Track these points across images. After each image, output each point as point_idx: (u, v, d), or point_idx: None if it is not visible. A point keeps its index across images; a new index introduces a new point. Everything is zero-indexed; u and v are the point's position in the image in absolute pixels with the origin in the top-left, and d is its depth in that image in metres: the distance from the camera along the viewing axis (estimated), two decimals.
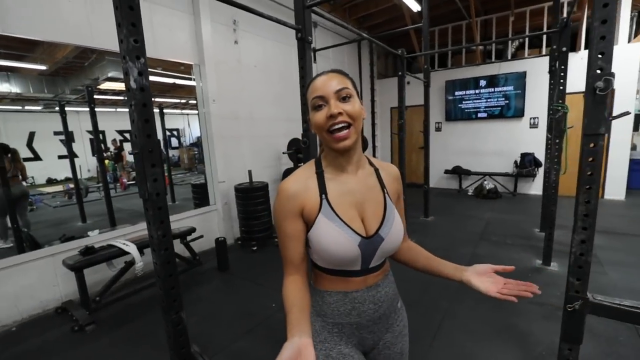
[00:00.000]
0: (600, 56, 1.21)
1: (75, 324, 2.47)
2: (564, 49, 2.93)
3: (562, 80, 3.00)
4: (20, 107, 6.45)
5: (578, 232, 1.39)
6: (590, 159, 1.28)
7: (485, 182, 6.53)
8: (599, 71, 1.20)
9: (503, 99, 6.45)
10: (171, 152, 10.45)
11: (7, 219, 3.70)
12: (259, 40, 4.71)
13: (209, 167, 4.21)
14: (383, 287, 0.92)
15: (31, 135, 5.97)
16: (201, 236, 3.65)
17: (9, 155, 3.74)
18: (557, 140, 3.09)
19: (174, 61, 3.76)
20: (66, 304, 2.74)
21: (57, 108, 5.34)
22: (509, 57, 6.51)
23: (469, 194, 6.82)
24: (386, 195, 0.90)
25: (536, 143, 6.21)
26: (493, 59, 6.75)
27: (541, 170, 6.25)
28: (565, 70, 2.96)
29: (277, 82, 4.99)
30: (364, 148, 0.97)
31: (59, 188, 6.97)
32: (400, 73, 3.97)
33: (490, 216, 5.12)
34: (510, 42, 6.55)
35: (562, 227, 4.05)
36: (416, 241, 4.01)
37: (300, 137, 4.87)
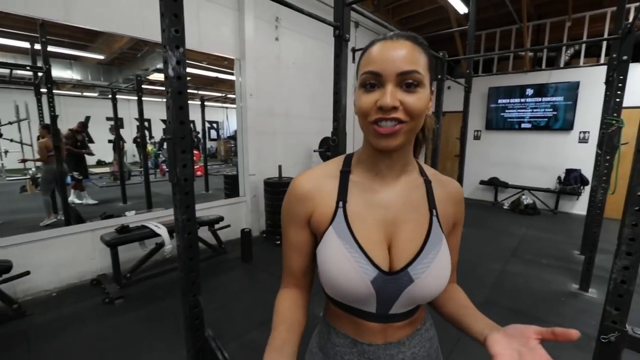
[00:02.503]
0: None
1: (107, 296, 2.66)
2: (625, 57, 2.68)
3: (619, 92, 2.75)
4: (79, 93, 7.04)
5: (621, 256, 1.27)
6: None
7: (524, 197, 6.16)
8: None
9: (551, 109, 6.04)
10: (209, 144, 10.93)
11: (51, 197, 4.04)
12: (299, 38, 4.77)
13: (242, 160, 4.34)
14: (411, 346, 0.68)
15: (87, 120, 6.48)
16: (228, 225, 3.77)
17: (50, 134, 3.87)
18: (608, 157, 2.85)
19: (218, 55, 3.91)
20: (100, 277, 2.95)
21: (109, 95, 5.74)
22: (562, 65, 6.09)
23: (505, 207, 6.47)
24: (434, 218, 0.65)
25: (584, 159, 5.77)
26: (543, 67, 6.34)
27: (587, 189, 5.79)
28: (623, 81, 2.71)
29: (314, 81, 5.04)
30: (419, 152, 0.73)
31: (107, 170, 7.53)
32: (439, 76, 3.84)
33: (525, 233, 4.82)
34: (564, 49, 6.12)
35: (606, 252, 3.73)
36: None
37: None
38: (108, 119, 6.63)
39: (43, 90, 3.43)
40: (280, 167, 4.28)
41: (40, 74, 3.41)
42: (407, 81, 0.55)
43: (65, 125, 6.16)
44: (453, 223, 0.71)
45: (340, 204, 0.63)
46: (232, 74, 4.18)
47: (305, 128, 5.05)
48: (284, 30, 4.52)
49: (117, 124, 5.42)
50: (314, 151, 5.07)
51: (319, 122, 5.20)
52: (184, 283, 1.45)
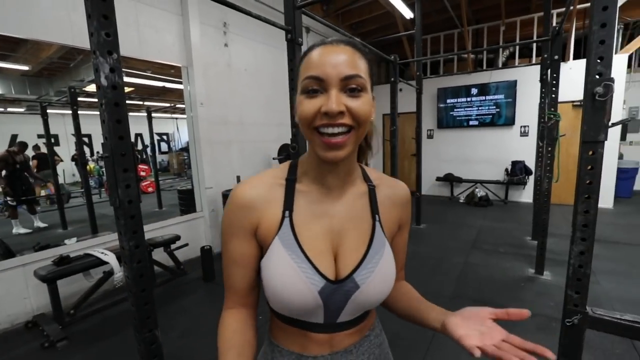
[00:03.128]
0: (599, 61, 1.16)
1: (46, 339, 2.31)
2: (556, 57, 2.92)
3: (554, 89, 2.99)
4: (2, 109, 6.26)
5: (577, 243, 1.33)
6: (589, 167, 1.22)
7: (477, 190, 6.53)
8: (597, 76, 1.15)
9: (494, 107, 6.49)
10: (160, 157, 10.28)
11: None
12: (250, 44, 4.64)
13: (196, 173, 4.09)
14: (359, 354, 0.67)
15: (13, 138, 5.76)
16: (186, 244, 3.51)
17: None
18: (550, 149, 3.07)
19: (163, 63, 3.66)
20: (37, 318, 2.56)
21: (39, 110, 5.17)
22: (500, 66, 6.58)
23: (461, 201, 6.81)
24: (377, 224, 0.65)
25: (527, 151, 6.26)
26: (484, 68, 6.81)
27: (532, 178, 6.28)
28: (557, 79, 2.95)
29: (268, 87, 4.92)
30: (366, 156, 0.73)
31: (42, 192, 6.74)
32: (392, 79, 3.94)
33: (482, 224, 5.09)
34: (501, 50, 6.62)
35: (554, 235, 4.04)
36: (409, 251, 3.83)
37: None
38: (40, 136, 5.94)
39: None
40: (238, 177, 4.10)
41: None
42: (350, 86, 0.54)
43: None
44: (398, 225, 0.71)
45: (287, 213, 0.61)
46: (180, 82, 3.94)
47: (262, 135, 4.92)
48: (233, 36, 4.37)
49: (50, 141, 4.87)
50: (274, 159, 4.95)
51: (275, 128, 5.09)
52: (137, 318, 1.28)
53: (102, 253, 2.69)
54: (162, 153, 10.59)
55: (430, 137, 7.34)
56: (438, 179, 7.24)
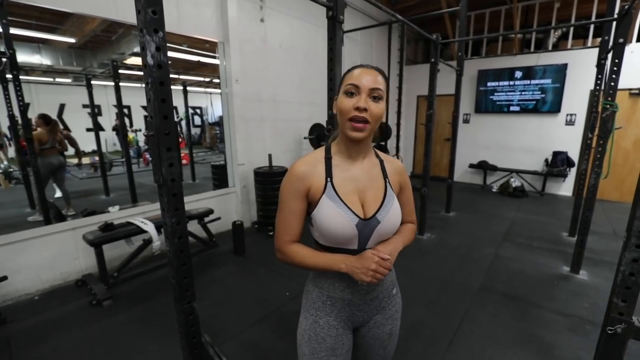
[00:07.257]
0: None
1: (94, 297, 2.53)
2: (621, 40, 2.64)
3: (614, 76, 2.72)
4: (51, 79, 6.59)
5: (630, 249, 1.24)
6: None
7: (512, 180, 6.23)
8: None
9: (539, 92, 6.05)
10: (193, 130, 10.54)
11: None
12: (286, 20, 4.54)
13: (229, 149, 4.17)
14: None
15: (61, 107, 6.09)
16: (218, 218, 3.65)
17: (49, 126, 3.75)
18: (602, 142, 2.84)
19: (199, 38, 3.67)
20: (86, 277, 2.80)
21: (84, 82, 5.40)
22: (550, 48, 6.06)
23: (494, 190, 6.54)
24: (388, 184, 0.98)
25: (571, 141, 5.85)
26: (532, 49, 6.30)
27: (573, 171, 5.89)
28: (619, 65, 2.67)
29: (302, 64, 4.84)
30: (387, 137, 1.02)
31: (86, 160, 7.16)
32: (432, 60, 3.73)
33: (515, 216, 4.88)
34: (552, 31, 6.08)
35: (594, 233, 3.82)
36: (437, 238, 3.76)
37: (322, 123, 4.69)
38: (84, 106, 6.26)
39: (8, 76, 3.16)
40: (270, 156, 4.14)
41: (3, 59, 3.13)
42: (374, 94, 0.87)
43: (37, 112, 5.78)
44: (400, 186, 1.05)
45: (329, 179, 0.93)
46: (214, 57, 3.96)
47: (294, 114, 4.89)
48: (269, 11, 4.29)
49: (94, 111, 5.12)
50: (304, 138, 4.93)
51: (308, 107, 5.04)
52: (177, 291, 1.35)
53: (142, 222, 2.85)
54: (195, 126, 10.87)
55: (466, 121, 7.01)
56: (471, 165, 6.97)
